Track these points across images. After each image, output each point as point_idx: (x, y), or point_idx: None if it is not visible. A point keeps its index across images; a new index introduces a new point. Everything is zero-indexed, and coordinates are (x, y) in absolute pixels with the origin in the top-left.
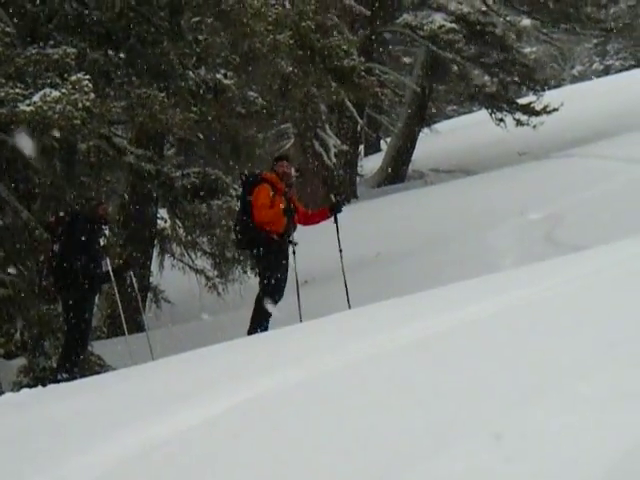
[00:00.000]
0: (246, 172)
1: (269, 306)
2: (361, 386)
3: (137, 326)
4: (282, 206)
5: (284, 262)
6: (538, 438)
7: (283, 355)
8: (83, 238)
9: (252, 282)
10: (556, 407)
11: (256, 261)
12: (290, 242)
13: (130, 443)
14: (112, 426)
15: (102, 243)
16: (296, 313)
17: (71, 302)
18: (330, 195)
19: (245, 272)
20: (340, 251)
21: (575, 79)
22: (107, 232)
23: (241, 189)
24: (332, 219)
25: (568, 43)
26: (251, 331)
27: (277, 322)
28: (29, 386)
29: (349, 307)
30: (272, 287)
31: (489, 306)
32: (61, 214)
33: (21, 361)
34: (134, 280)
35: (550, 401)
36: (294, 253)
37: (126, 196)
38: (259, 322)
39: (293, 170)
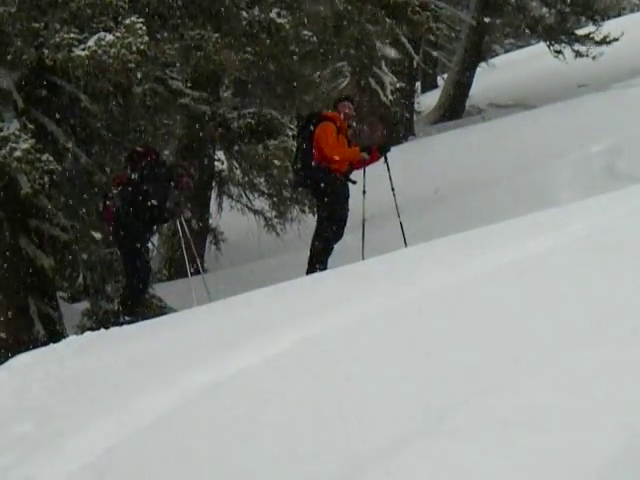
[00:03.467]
0: (303, 113)
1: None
2: (419, 320)
3: (197, 268)
4: (357, 149)
5: (346, 201)
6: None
7: (333, 297)
8: (160, 179)
9: (311, 222)
10: (614, 343)
11: (317, 200)
12: (352, 181)
13: (191, 383)
14: (172, 368)
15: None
16: (356, 252)
17: (128, 244)
18: (391, 134)
19: (303, 212)
20: (392, 190)
21: (636, 7)
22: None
23: (301, 127)
24: (382, 159)
25: None
26: (310, 271)
27: (340, 260)
28: (92, 329)
29: (405, 245)
30: (332, 226)
31: (549, 240)
32: (146, 148)
33: (84, 304)
34: (184, 224)
35: (606, 336)
36: (364, 193)
37: (183, 138)
38: (317, 262)
39: (353, 111)
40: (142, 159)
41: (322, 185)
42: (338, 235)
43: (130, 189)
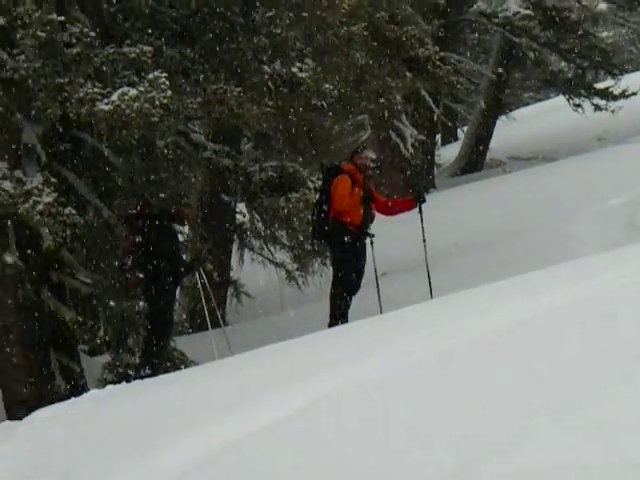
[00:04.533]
0: (326, 163)
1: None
2: (446, 373)
3: (217, 321)
4: (361, 194)
5: (360, 254)
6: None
7: (358, 347)
8: (166, 232)
9: (331, 274)
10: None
11: (331, 252)
12: (367, 234)
13: (211, 439)
14: (194, 421)
15: (180, 238)
16: (376, 305)
17: (152, 296)
18: (412, 186)
19: (324, 264)
20: (424, 241)
21: None
22: (186, 229)
23: (323, 180)
24: (417, 209)
25: None
26: (331, 324)
27: (359, 313)
28: (113, 382)
29: (431, 297)
30: (345, 279)
31: (574, 292)
32: (141, 206)
33: (105, 358)
34: (204, 276)
35: (625, 388)
36: (372, 244)
37: (205, 192)
38: (337, 315)
39: (370, 161)
40: (139, 219)
41: (335, 238)
42: (353, 288)
43: (139, 253)
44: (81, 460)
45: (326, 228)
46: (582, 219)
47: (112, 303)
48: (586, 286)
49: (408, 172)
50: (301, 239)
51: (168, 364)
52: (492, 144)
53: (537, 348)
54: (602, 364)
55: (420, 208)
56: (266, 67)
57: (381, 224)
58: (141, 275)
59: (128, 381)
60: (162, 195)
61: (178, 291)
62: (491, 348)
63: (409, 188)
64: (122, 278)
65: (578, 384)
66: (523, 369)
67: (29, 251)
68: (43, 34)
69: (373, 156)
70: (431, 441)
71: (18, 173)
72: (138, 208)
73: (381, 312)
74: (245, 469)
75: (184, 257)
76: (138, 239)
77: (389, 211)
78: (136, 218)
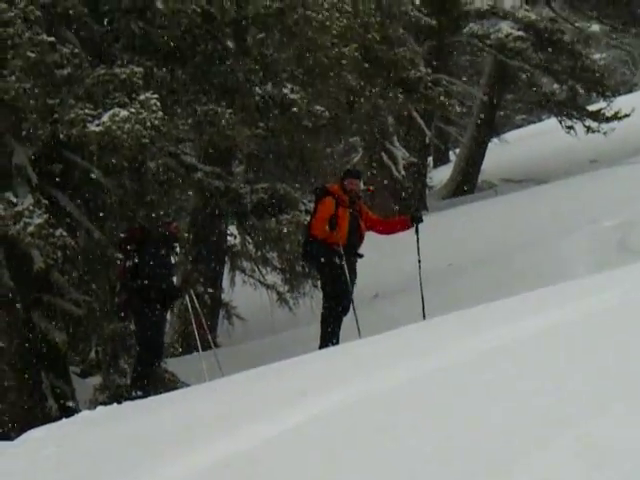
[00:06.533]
0: (318, 185)
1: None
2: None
3: (208, 343)
4: (347, 215)
5: (346, 275)
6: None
7: (349, 369)
8: (156, 255)
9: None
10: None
11: (319, 274)
12: (357, 254)
13: (199, 461)
14: (186, 441)
15: (174, 260)
16: (368, 326)
17: (143, 319)
18: (405, 208)
19: (315, 286)
20: (419, 262)
21: None
22: (178, 249)
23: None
24: (413, 229)
25: (638, 48)
26: (323, 345)
27: (351, 335)
28: (105, 404)
29: (424, 318)
30: (334, 301)
31: (568, 313)
32: (130, 231)
33: (97, 379)
34: (194, 298)
35: (627, 406)
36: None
37: (196, 213)
38: (328, 336)
39: (362, 184)
40: (129, 243)
41: (319, 258)
42: (342, 308)
43: (130, 277)
44: (72, 479)
45: (313, 250)
46: (574, 240)
47: (103, 325)
48: (581, 306)
49: (401, 194)
50: (292, 261)
51: (159, 385)
52: (484, 166)
53: (532, 367)
54: (595, 383)
55: (417, 228)
56: (257, 88)
57: (370, 245)
58: (130, 297)
59: (119, 402)
60: (153, 216)
61: (169, 314)
62: (485, 368)
63: (401, 210)
64: (113, 301)
65: (573, 401)
66: (521, 386)
67: (20, 273)
68: (33, 54)
69: (362, 186)
70: (426, 457)
71: (9, 195)
72: (128, 231)
73: (359, 336)
74: None
75: (175, 279)
76: (129, 263)
77: (385, 230)
78: (127, 242)
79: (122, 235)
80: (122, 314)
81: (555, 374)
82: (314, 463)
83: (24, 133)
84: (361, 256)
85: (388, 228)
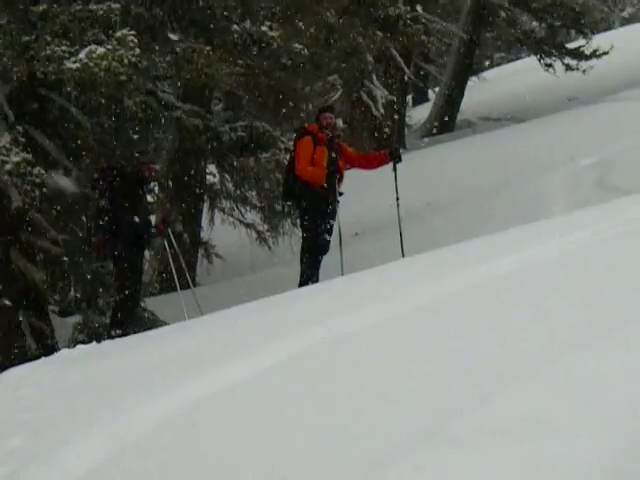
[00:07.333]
0: (297, 125)
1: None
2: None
3: (187, 282)
4: (325, 153)
5: (329, 214)
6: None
7: (326, 309)
8: (128, 195)
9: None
10: (605, 348)
11: (299, 214)
12: (334, 193)
13: (182, 396)
14: (166, 378)
15: (150, 199)
16: (347, 263)
17: (121, 258)
18: (385, 146)
19: (295, 225)
20: (397, 200)
21: (625, 21)
22: (156, 189)
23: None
24: (391, 167)
25: None
26: (302, 284)
27: (331, 272)
28: (84, 342)
29: (403, 256)
30: (314, 240)
31: (544, 250)
32: (102, 171)
33: (76, 318)
34: (172, 238)
35: (601, 343)
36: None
37: (174, 152)
38: (308, 275)
39: (341, 122)
40: (102, 182)
41: (299, 198)
42: (321, 248)
43: (106, 218)
44: (53, 418)
45: (295, 190)
46: (552, 179)
47: (82, 263)
48: (556, 245)
49: (380, 133)
50: (271, 200)
51: (138, 324)
52: (463, 105)
53: (512, 303)
54: (577, 317)
55: (395, 166)
56: (236, 26)
57: (351, 183)
58: (107, 239)
59: (99, 341)
60: (132, 154)
61: (147, 252)
62: (464, 303)
63: (380, 149)
64: (89, 239)
65: (554, 337)
66: (499, 323)
67: None
68: None
69: (340, 123)
70: (402, 398)
71: None
72: (101, 170)
73: (342, 274)
74: (219, 422)
75: (152, 218)
76: (102, 203)
77: (364, 165)
78: (99, 181)
79: (94, 175)
80: (98, 254)
81: (540, 307)
82: (296, 397)
83: (0, 70)
84: (341, 194)
85: (367, 163)
